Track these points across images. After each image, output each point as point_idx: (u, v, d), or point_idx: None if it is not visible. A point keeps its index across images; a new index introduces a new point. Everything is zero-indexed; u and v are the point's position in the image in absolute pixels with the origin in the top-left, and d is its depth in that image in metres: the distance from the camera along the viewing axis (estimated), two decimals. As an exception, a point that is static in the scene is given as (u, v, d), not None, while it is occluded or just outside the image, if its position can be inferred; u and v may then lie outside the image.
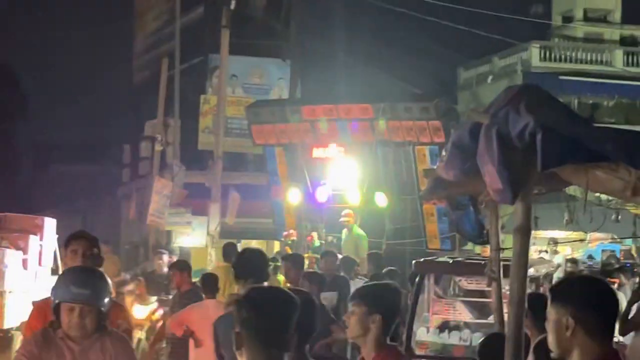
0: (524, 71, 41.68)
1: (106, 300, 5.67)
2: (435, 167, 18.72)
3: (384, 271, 13.63)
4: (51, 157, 52.75)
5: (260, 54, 32.40)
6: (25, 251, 15.23)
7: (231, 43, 26.88)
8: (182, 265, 13.48)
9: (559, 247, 21.84)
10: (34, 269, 15.42)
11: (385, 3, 28.26)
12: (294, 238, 19.92)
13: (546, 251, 20.55)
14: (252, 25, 30.11)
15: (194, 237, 25.77)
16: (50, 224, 16.57)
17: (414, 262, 10.84)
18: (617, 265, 17.35)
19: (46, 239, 16.08)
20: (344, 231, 18.74)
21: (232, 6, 26.34)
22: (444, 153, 5.51)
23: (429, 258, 11.49)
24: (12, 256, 14.68)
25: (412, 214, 20.24)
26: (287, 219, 21.88)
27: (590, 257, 21.36)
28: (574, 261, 17.78)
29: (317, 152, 20.92)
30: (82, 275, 5.76)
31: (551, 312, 4.15)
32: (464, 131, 5.09)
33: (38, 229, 16.04)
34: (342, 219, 18.60)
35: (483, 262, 8.55)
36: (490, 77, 43.02)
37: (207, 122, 31.77)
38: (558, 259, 19.12)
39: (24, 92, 57.26)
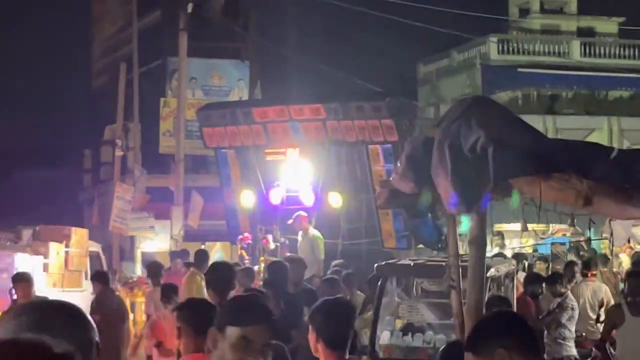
0: (482, 64, 41.86)
1: None
2: (385, 168, 18.71)
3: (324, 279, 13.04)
4: (11, 163, 52.28)
5: (219, 55, 32.30)
6: (46, 256, 17.64)
7: (189, 46, 26.82)
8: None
9: (507, 241, 21.88)
10: (58, 272, 17.54)
11: (343, 2, 28.28)
12: (249, 241, 19.52)
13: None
14: (210, 28, 29.98)
15: (158, 242, 25.71)
16: (78, 233, 19.74)
17: (375, 265, 10.84)
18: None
19: (74, 246, 18.79)
20: (300, 233, 18.36)
21: (190, 9, 26.28)
22: (398, 164, 5.54)
23: (391, 261, 11.52)
24: (26, 260, 16.68)
25: (367, 213, 20.01)
26: (241, 222, 21.60)
27: (535, 250, 21.21)
28: (519, 256, 17.71)
29: (269, 154, 20.65)
30: None
31: None
32: (418, 144, 5.14)
33: (65, 238, 18.77)
34: (290, 221, 18.16)
35: (444, 263, 8.59)
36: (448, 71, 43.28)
37: (167, 125, 31.67)
38: (507, 254, 19.02)
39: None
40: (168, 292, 11.78)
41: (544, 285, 12.95)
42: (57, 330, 2.26)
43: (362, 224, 20.11)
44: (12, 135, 55.12)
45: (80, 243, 19.82)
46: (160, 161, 31.12)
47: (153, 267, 15.72)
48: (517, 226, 21.07)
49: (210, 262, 18.28)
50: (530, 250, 21.11)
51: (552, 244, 21.09)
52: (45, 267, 17.72)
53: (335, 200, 19.50)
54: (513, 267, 11.88)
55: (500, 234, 21.43)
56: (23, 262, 16.64)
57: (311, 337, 4.86)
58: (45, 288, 16.57)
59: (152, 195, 26.47)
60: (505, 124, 4.74)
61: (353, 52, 38.05)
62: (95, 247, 21.53)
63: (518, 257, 17.27)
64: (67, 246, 18.87)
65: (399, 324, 10.52)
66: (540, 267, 17.70)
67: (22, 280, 10.91)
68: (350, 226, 20.15)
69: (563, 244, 21.03)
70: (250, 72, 31.42)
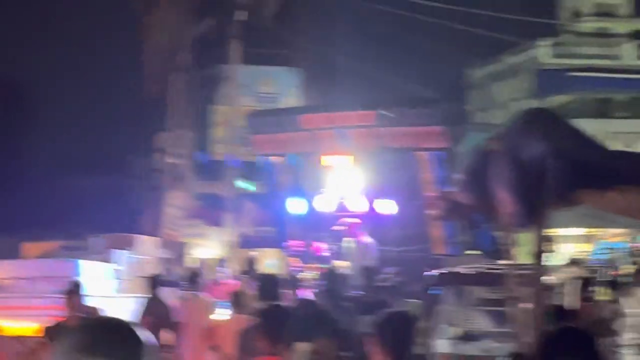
0: (534, 68, 41.59)
1: None
2: (435, 175, 18.56)
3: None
4: (63, 170, 52.84)
5: (270, 63, 32.40)
6: (115, 263, 18.02)
7: (241, 53, 26.98)
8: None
9: (558, 246, 21.60)
10: (126, 278, 17.74)
11: (394, 8, 28.26)
12: (299, 248, 19.65)
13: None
14: (262, 35, 30.11)
15: (209, 248, 25.85)
16: (147, 240, 20.79)
17: (436, 273, 10.81)
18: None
19: (140, 253, 19.32)
20: (350, 240, 18.44)
21: (242, 17, 26.46)
22: (458, 177, 5.55)
23: (447, 269, 11.47)
24: (95, 268, 16.98)
25: (417, 220, 19.73)
26: (289, 229, 21.51)
27: (590, 256, 20.85)
28: (576, 262, 17.51)
29: (319, 161, 20.65)
30: None
31: None
32: (477, 157, 5.14)
33: (134, 245, 19.49)
34: (342, 227, 18.37)
35: (500, 271, 8.55)
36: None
37: (218, 133, 31.81)
38: (560, 259, 18.74)
39: (35, 105, 57.42)
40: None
41: (597, 290, 12.82)
42: (107, 351, 2.30)
43: (412, 231, 20.07)
44: (64, 143, 55.77)
45: (149, 250, 20.38)
46: (212, 168, 31.27)
47: (190, 274, 15.16)
48: (570, 231, 20.90)
49: (263, 269, 18.50)
50: (586, 256, 20.88)
51: (610, 249, 20.86)
52: (114, 274, 18.07)
53: (385, 207, 19.55)
54: (572, 274, 11.78)
55: (552, 238, 21.15)
56: (92, 269, 16.96)
57: (374, 348, 4.89)
58: (114, 294, 17.04)
59: (203, 202, 26.63)
60: (567, 136, 4.72)
61: (404, 57, 37.96)
62: (167, 254, 22.01)
63: (575, 263, 17.07)
64: (135, 253, 19.35)
65: (455, 332, 10.48)
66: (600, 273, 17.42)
67: (69, 292, 10.38)
68: (401, 233, 20.09)
69: (617, 249, 20.76)
70: (302, 79, 31.48)
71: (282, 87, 32.58)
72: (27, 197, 50.22)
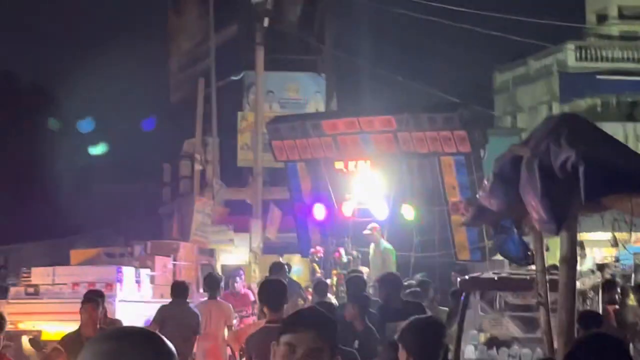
0: (560, 72, 41.41)
1: None
2: (458, 180, 18.47)
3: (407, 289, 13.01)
4: (92, 177, 53.16)
5: (295, 68, 32.42)
6: (152, 269, 18.58)
7: (266, 59, 27.05)
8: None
9: (587, 250, 21.41)
10: (164, 284, 17.90)
11: (418, 13, 28.27)
12: (321, 255, 19.41)
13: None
14: (287, 41, 30.19)
15: (237, 254, 25.92)
16: (187, 247, 21.17)
17: (459, 279, 10.80)
18: None
19: (182, 259, 20.03)
20: (372, 245, 18.35)
21: (266, 23, 26.52)
22: (486, 183, 5.54)
23: (474, 275, 11.44)
24: (132, 273, 17.76)
25: (440, 225, 19.51)
26: (312, 235, 21.37)
27: (617, 260, 20.64)
28: (603, 267, 17.33)
29: (340, 166, 20.39)
30: None
31: None
32: (506, 162, 5.14)
33: (173, 252, 19.94)
34: (365, 232, 18.21)
35: (528, 277, 8.53)
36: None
37: (245, 139, 31.87)
38: (587, 264, 18.60)
39: (63, 113, 57.84)
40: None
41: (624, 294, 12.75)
42: None
43: (435, 236, 19.70)
44: (92, 150, 56.08)
45: (188, 256, 20.77)
46: (239, 174, 31.33)
47: (208, 280, 14.90)
48: (598, 235, 20.72)
49: (290, 275, 18.54)
50: (612, 261, 20.72)
51: (635, 254, 20.66)
52: (152, 279, 18.51)
53: (408, 212, 19.32)
54: (599, 280, 11.74)
55: (581, 244, 21.03)
56: (131, 275, 17.69)
57: (401, 355, 4.89)
58: (152, 299, 17.59)
59: (230, 208, 26.69)
60: (595, 141, 4.72)
61: (429, 62, 37.94)
62: (208, 260, 22.40)
63: (601, 268, 16.96)
64: (175, 259, 19.73)
65: (483, 338, 10.47)
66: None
67: (88, 301, 9.59)
68: (423, 238, 19.79)
69: None
70: (327, 84, 31.52)
71: (307, 92, 32.61)
72: (60, 203, 50.63)
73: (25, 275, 17.89)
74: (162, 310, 13.12)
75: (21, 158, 50.56)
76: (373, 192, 19.67)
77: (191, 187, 29.14)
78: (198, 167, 28.28)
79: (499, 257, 19.53)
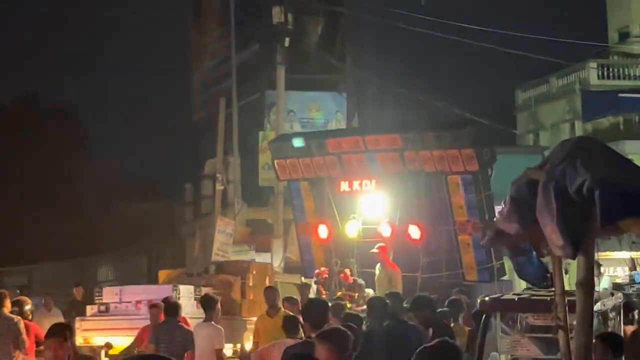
0: (582, 90, 41.25)
1: None
2: (465, 199, 18.15)
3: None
4: (114, 195, 53.43)
5: (316, 88, 32.51)
6: (215, 287, 18.96)
7: (287, 79, 27.16)
8: None
9: (602, 269, 21.25)
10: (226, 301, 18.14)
11: (439, 32, 28.29)
12: (326, 276, 19.00)
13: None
14: (308, 61, 30.29)
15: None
16: (258, 267, 21.24)
17: (479, 300, 10.75)
18: None
19: (253, 279, 20.19)
20: (377, 266, 17.94)
21: (287, 43, 26.63)
22: (503, 206, 5.53)
23: (495, 296, 11.39)
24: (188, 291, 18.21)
25: (447, 245, 19.06)
26: (315, 255, 21.14)
27: (632, 279, 20.39)
28: (619, 287, 17.15)
29: (344, 186, 20.06)
30: None
31: None
32: (522, 185, 5.12)
33: (244, 271, 20.32)
34: (373, 250, 17.85)
35: (549, 298, 8.47)
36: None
37: (266, 159, 31.92)
38: (604, 284, 18.38)
39: (86, 132, 58.25)
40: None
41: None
42: None
43: (443, 257, 19.20)
44: (115, 169, 56.42)
45: (260, 275, 20.74)
46: (260, 194, 31.39)
47: (204, 301, 14.36)
48: (615, 254, 20.60)
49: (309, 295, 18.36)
50: (628, 280, 20.61)
51: None
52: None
53: (414, 232, 18.92)
54: (620, 300, 11.64)
55: (597, 263, 20.90)
56: (186, 293, 18.05)
57: None
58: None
59: (252, 227, 26.73)
60: (612, 164, 4.69)
61: (451, 81, 38.02)
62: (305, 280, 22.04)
63: (618, 288, 16.84)
64: (242, 279, 20.03)
65: (503, 359, 10.41)
66: None
67: (52, 336, 7.79)
68: (430, 259, 19.29)
69: None
70: (348, 103, 31.56)
71: (329, 112, 32.68)
72: (83, 223, 50.90)
73: (97, 294, 19.13)
74: (154, 330, 13.19)
75: (44, 177, 50.88)
76: (378, 211, 19.34)
77: (213, 207, 29.22)
78: (219, 186, 28.35)
79: (506, 277, 19.42)
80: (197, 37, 40.47)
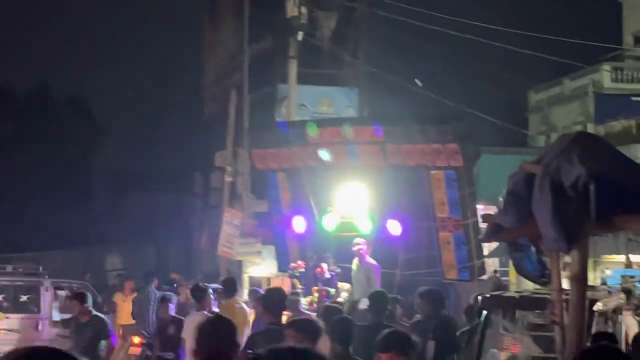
0: (595, 93, 41.19)
1: None
2: (447, 195, 17.71)
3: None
4: (126, 186, 53.53)
5: (328, 82, 32.44)
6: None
7: (299, 73, 27.14)
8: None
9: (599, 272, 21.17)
10: None
11: (454, 31, 28.24)
12: (302, 269, 18.37)
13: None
14: (320, 55, 30.22)
15: (265, 267, 25.92)
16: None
17: (480, 297, 10.76)
18: None
19: None
20: (355, 261, 17.29)
21: (300, 37, 26.62)
22: (500, 199, 5.55)
23: (496, 293, 11.40)
24: None
25: (427, 242, 18.37)
26: (290, 249, 20.52)
27: (604, 283, 20.17)
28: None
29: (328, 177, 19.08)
30: None
31: None
32: (519, 180, 5.13)
33: None
34: (355, 248, 17.23)
35: (548, 296, 8.47)
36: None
37: (276, 152, 31.97)
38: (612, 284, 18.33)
39: (99, 124, 58.43)
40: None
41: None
42: None
43: (422, 254, 18.49)
44: (125, 160, 56.56)
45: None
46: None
47: (196, 291, 14.04)
48: (615, 257, 20.52)
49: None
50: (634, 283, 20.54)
51: (622, 276, 20.46)
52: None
53: (394, 227, 18.26)
54: (622, 301, 11.63)
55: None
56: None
57: None
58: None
59: (259, 220, 26.71)
60: (608, 160, 4.70)
61: (463, 80, 37.91)
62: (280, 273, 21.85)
63: (627, 291, 16.77)
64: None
65: (503, 357, 10.43)
66: None
67: None
68: (409, 255, 18.59)
69: (632, 276, 20.34)
70: (359, 99, 31.53)
71: (340, 107, 32.60)
72: (93, 212, 51.08)
73: None
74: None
75: (55, 167, 51.09)
76: (357, 205, 18.58)
77: (222, 199, 29.21)
78: (229, 178, 28.35)
79: (485, 277, 19.04)
80: (211, 30, 40.48)
